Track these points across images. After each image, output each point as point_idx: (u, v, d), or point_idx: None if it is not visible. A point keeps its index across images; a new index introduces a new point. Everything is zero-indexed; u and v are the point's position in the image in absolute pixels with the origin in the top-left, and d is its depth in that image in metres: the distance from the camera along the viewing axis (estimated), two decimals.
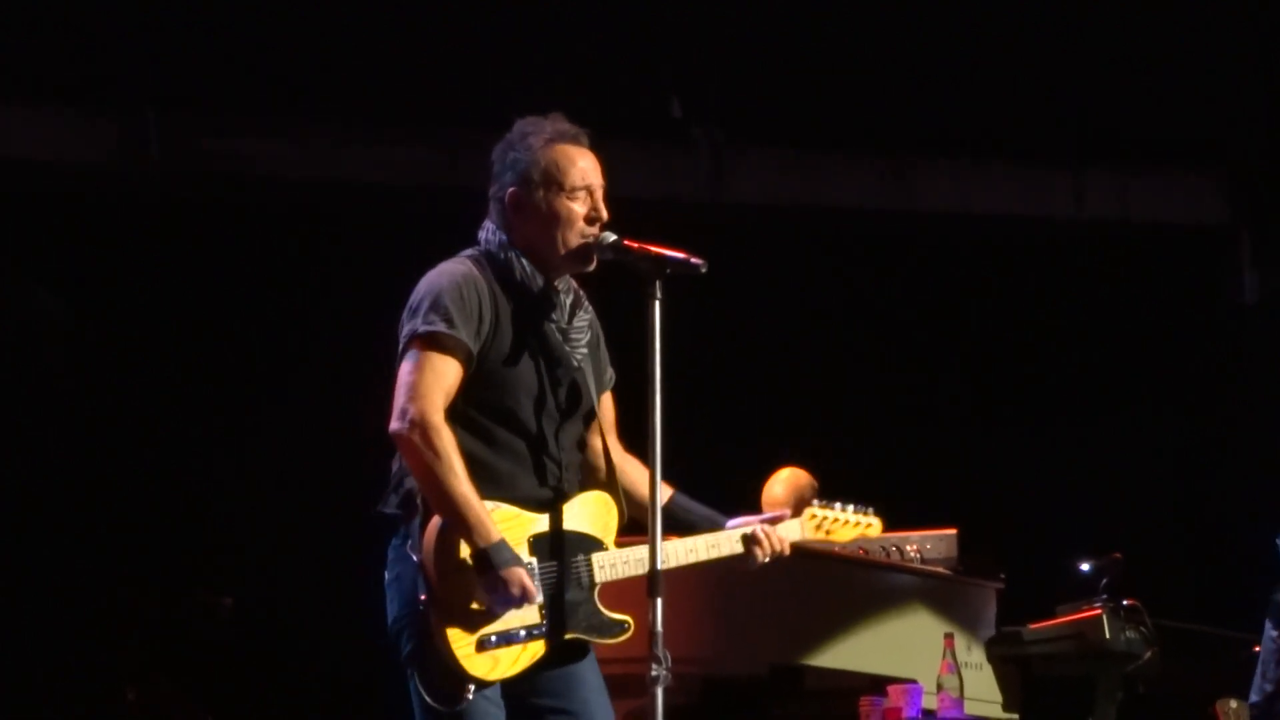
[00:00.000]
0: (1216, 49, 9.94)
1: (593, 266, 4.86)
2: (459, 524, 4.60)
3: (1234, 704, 6.79)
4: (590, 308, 4.93)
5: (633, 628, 4.75)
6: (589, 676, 4.81)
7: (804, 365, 9.75)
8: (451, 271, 4.79)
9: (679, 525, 4.89)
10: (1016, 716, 7.31)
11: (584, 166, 4.83)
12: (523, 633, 4.66)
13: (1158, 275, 10.33)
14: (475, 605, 4.62)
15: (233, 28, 9.00)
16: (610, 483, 4.87)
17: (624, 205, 4.95)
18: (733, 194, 9.91)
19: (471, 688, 4.61)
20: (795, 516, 5.08)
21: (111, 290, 9.00)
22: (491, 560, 4.58)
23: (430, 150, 9.44)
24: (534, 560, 4.69)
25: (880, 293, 10.08)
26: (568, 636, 4.73)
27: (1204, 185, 10.44)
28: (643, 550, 4.66)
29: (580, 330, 4.87)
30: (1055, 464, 9.92)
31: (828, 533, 5.14)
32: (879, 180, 10.14)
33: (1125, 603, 7.25)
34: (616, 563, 4.78)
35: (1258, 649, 6.63)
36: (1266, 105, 10.18)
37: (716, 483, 5.15)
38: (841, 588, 7.23)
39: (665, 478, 4.73)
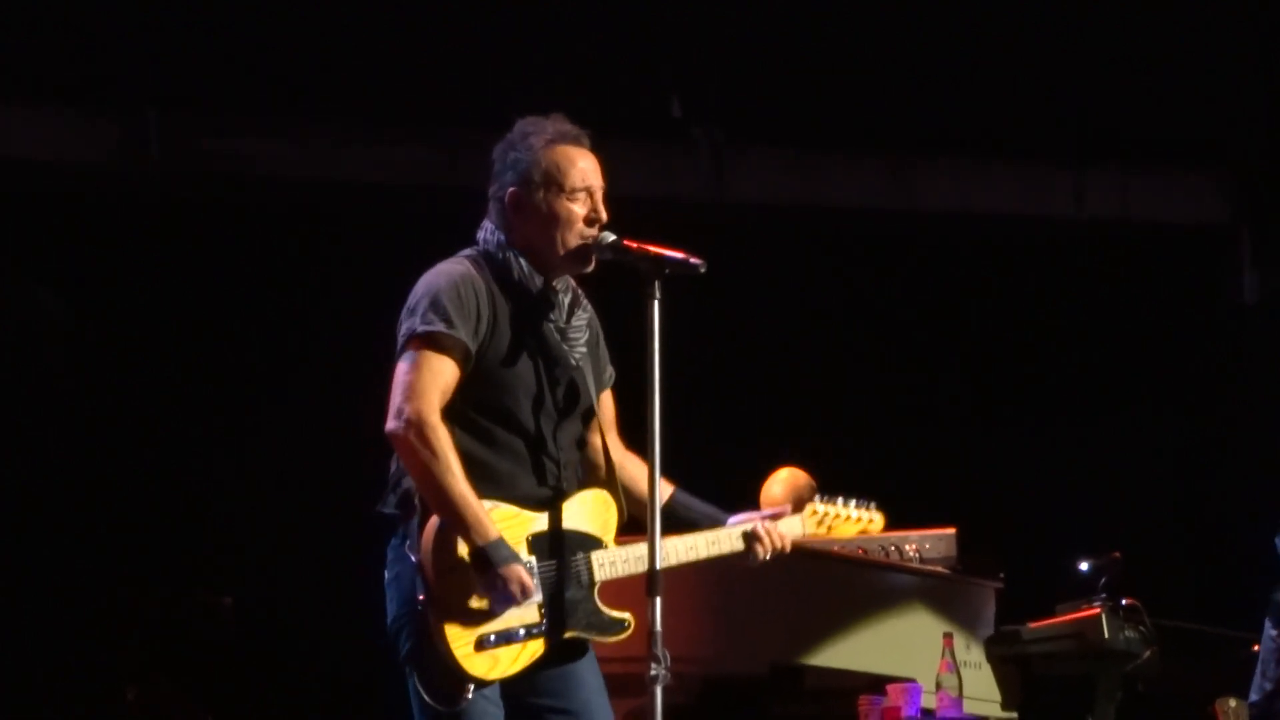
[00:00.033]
0: (1216, 49, 9.94)
1: (591, 267, 4.86)
2: (456, 522, 4.61)
3: (1233, 703, 6.80)
4: (589, 306, 4.93)
5: (633, 626, 4.76)
6: (588, 676, 4.82)
7: (804, 365, 9.75)
8: (449, 271, 4.80)
9: (680, 522, 4.90)
10: (1015, 716, 7.31)
11: (584, 167, 4.84)
12: (522, 631, 4.67)
13: (1158, 275, 10.33)
14: (474, 604, 4.62)
15: (233, 28, 9.00)
16: (609, 481, 4.87)
17: (624, 205, 4.96)
18: (733, 194, 9.91)
19: (471, 687, 4.61)
20: (796, 514, 5.08)
21: (111, 290, 9.00)
22: (489, 558, 4.58)
23: (430, 150, 9.44)
24: (533, 559, 4.69)
25: (880, 292, 10.08)
26: (568, 635, 4.73)
27: (1204, 185, 10.44)
28: (642, 548, 4.67)
29: (578, 329, 4.87)
30: (1055, 463, 9.92)
31: (830, 528, 5.14)
32: (879, 180, 10.14)
33: (1124, 602, 7.25)
34: (616, 561, 4.78)
35: (1257, 648, 6.63)
36: (1267, 105, 10.18)
37: (716, 482, 5.15)
38: (841, 587, 7.22)
39: (665, 476, 4.73)
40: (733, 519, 4.99)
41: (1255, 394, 10.01)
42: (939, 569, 7.39)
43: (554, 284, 4.86)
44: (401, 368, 4.70)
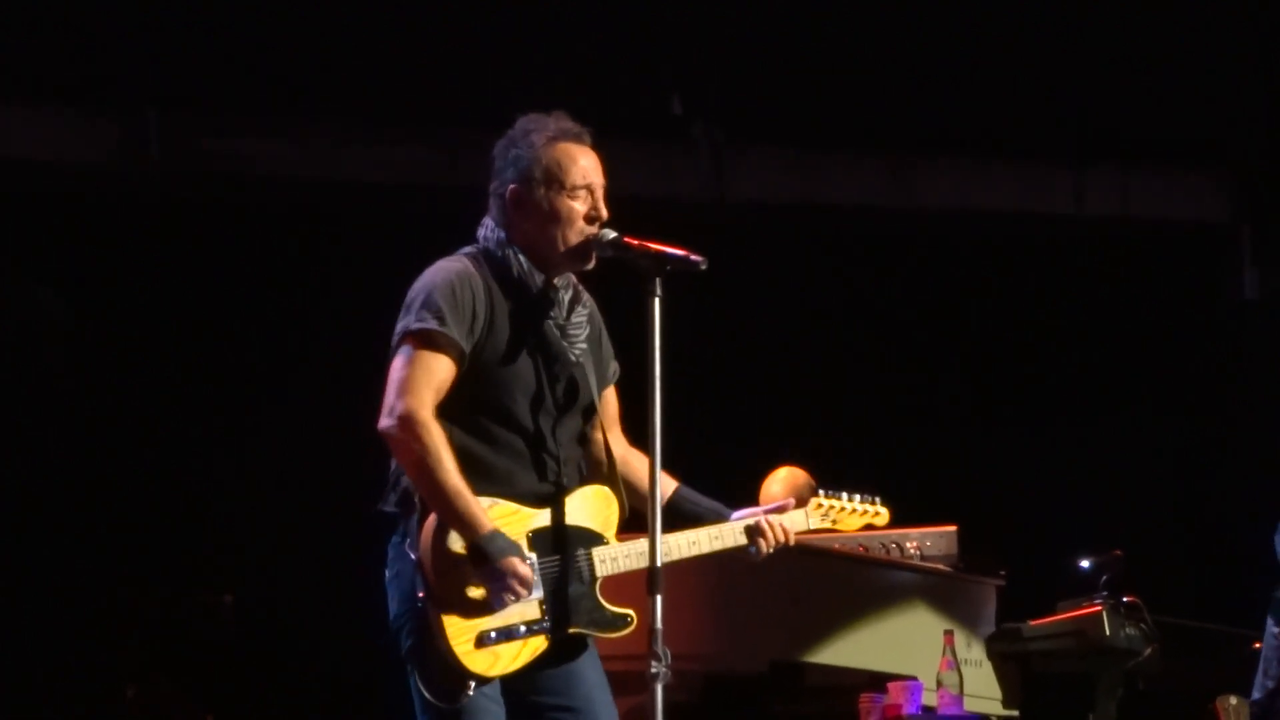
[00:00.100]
0: (1216, 47, 9.94)
1: (592, 265, 4.86)
2: (451, 518, 4.61)
3: (1234, 701, 6.80)
4: (590, 302, 4.93)
5: (635, 622, 4.75)
6: (590, 673, 4.81)
7: (804, 365, 9.75)
8: (446, 269, 4.80)
9: (684, 517, 4.90)
10: (1016, 713, 7.31)
11: (585, 165, 4.84)
12: (523, 628, 4.66)
13: (1158, 273, 10.33)
14: (474, 601, 4.61)
15: (233, 28, 9.00)
16: (611, 477, 4.87)
17: (624, 204, 4.95)
18: (733, 192, 9.90)
19: (471, 684, 4.61)
20: (800, 509, 5.08)
21: (111, 290, 9.00)
22: (485, 551, 4.58)
23: (430, 150, 9.45)
24: (534, 555, 4.69)
25: (881, 291, 10.08)
26: (570, 631, 4.73)
27: (1204, 183, 10.44)
28: (643, 544, 4.66)
29: (578, 326, 4.87)
30: (1055, 461, 9.92)
31: (834, 522, 5.14)
32: (879, 178, 10.14)
33: (1125, 600, 7.25)
34: (618, 556, 4.77)
35: (1258, 646, 6.63)
36: (1267, 103, 10.18)
37: (716, 482, 5.15)
38: (842, 585, 7.22)
39: (668, 473, 4.73)
40: (736, 514, 4.99)
41: (1255, 393, 10.01)
42: (940, 566, 7.39)
43: (554, 281, 4.86)
44: (395, 365, 4.71)
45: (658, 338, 4.66)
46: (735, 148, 9.90)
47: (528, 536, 4.70)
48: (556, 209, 4.81)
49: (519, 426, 4.77)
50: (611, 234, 4.81)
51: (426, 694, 4.63)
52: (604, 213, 4.84)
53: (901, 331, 10.03)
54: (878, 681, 6.97)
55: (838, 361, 9.77)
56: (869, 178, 10.15)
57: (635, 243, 4.78)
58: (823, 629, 7.09)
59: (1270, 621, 6.49)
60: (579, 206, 4.82)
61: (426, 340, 4.70)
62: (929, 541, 7.38)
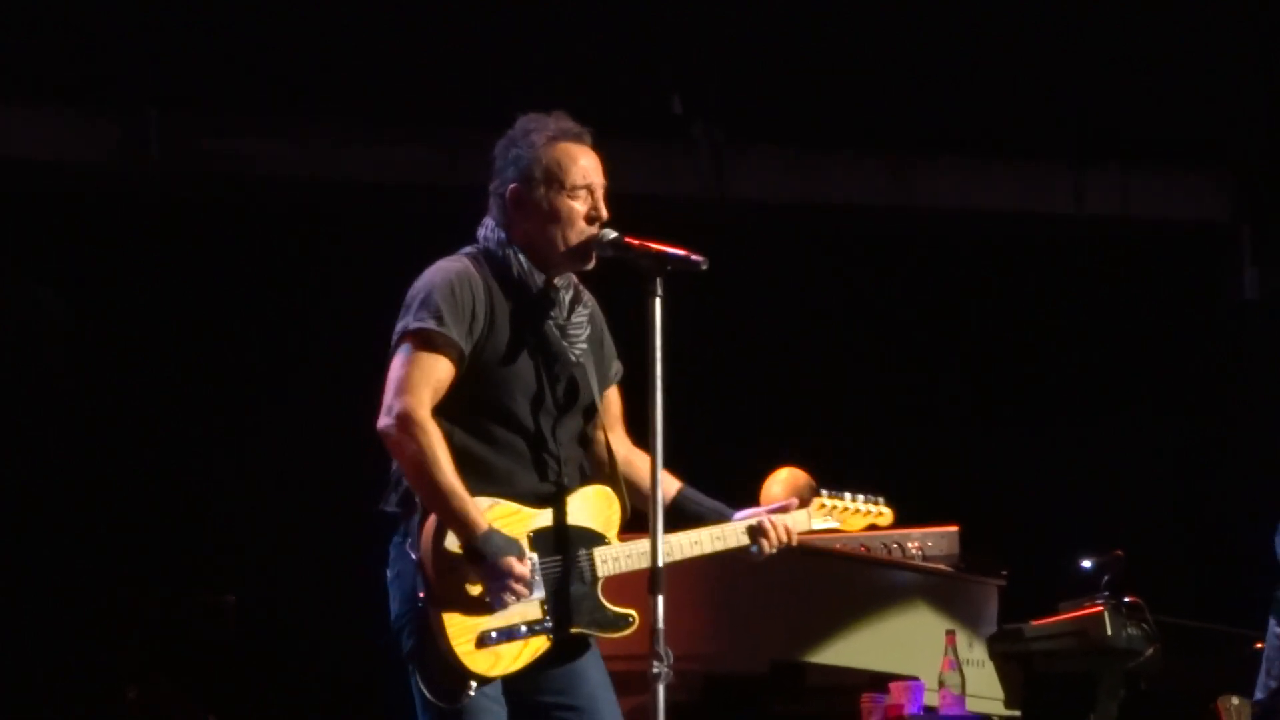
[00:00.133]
0: (1216, 47, 9.94)
1: (592, 265, 4.86)
2: (447, 518, 4.61)
3: (1235, 701, 6.79)
4: (592, 302, 4.93)
5: (637, 622, 4.75)
6: (594, 673, 4.81)
7: (804, 365, 9.75)
8: (446, 269, 4.80)
9: (687, 518, 4.90)
10: (1018, 713, 7.30)
11: (585, 165, 4.84)
12: (524, 628, 4.66)
13: (1158, 272, 10.32)
14: (474, 601, 4.61)
15: (233, 28, 9.00)
16: (612, 477, 4.87)
17: (624, 203, 4.95)
18: (733, 192, 9.90)
19: (472, 684, 4.61)
20: (803, 508, 5.08)
21: (111, 290, 9.00)
22: (482, 551, 4.58)
23: (430, 150, 9.44)
24: (535, 555, 4.69)
25: (881, 291, 10.08)
26: (572, 631, 4.72)
27: (1204, 182, 10.44)
28: (645, 544, 4.66)
29: (579, 326, 4.86)
30: (1056, 461, 9.92)
31: (838, 522, 5.14)
32: (880, 178, 10.13)
33: (1127, 600, 7.24)
34: (619, 556, 4.78)
35: (1259, 646, 6.62)
36: (1267, 102, 10.18)
37: (716, 482, 5.15)
38: (843, 585, 7.21)
39: (671, 474, 4.73)
40: (739, 514, 4.98)
41: (1256, 392, 10.00)
42: (941, 567, 7.38)
43: (555, 281, 4.86)
44: (394, 365, 4.72)
45: (659, 337, 4.66)
46: (735, 147, 9.90)
47: (529, 537, 4.70)
48: (556, 209, 4.82)
49: (519, 426, 4.77)
50: (612, 234, 4.81)
51: (427, 694, 4.63)
52: (604, 213, 4.85)
53: (901, 331, 10.02)
54: (879, 682, 6.97)
55: (838, 361, 9.76)
56: (869, 177, 10.15)
57: (636, 242, 4.78)
58: (824, 629, 7.08)
59: (1272, 621, 6.48)
60: (579, 206, 4.82)
61: (425, 340, 4.70)
62: (930, 542, 7.37)
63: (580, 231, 4.81)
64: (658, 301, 4.69)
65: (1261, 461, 8.93)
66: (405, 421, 4.62)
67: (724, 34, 9.51)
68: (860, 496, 5.18)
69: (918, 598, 7.31)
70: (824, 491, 5.14)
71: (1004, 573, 7.57)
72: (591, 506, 4.81)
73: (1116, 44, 9.81)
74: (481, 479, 4.68)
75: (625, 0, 9.42)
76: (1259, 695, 6.50)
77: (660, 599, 4.57)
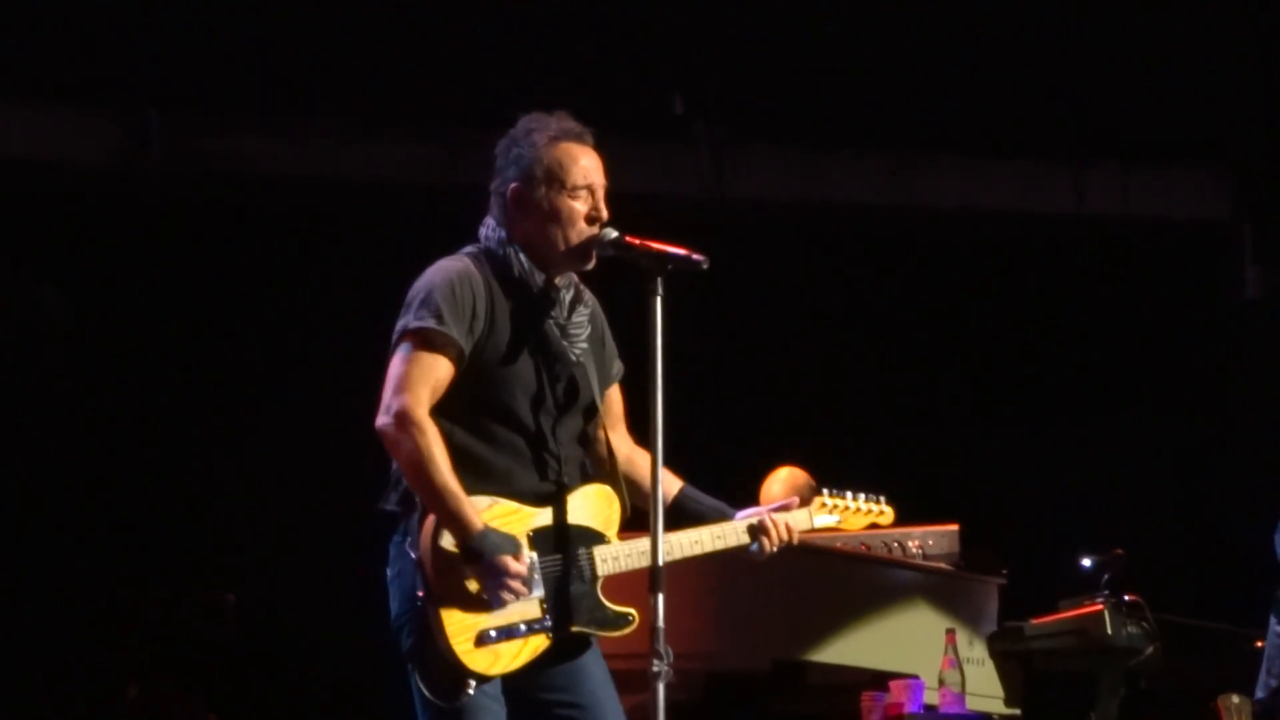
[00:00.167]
0: (1217, 46, 9.95)
1: (592, 264, 4.86)
2: (444, 517, 4.60)
3: (1236, 699, 6.77)
4: (593, 301, 4.92)
5: (637, 620, 4.75)
6: (596, 670, 4.80)
7: (804, 365, 9.75)
8: (447, 268, 4.80)
9: (688, 517, 4.90)
10: (1018, 712, 7.30)
11: (586, 165, 4.83)
12: (523, 627, 4.66)
13: (1159, 271, 10.33)
14: (473, 599, 4.61)
15: (233, 28, 9.01)
16: (612, 475, 4.87)
17: (625, 202, 4.95)
18: (734, 191, 9.91)
19: (472, 683, 4.61)
20: (804, 507, 5.08)
21: (112, 290, 9.01)
22: (477, 549, 4.58)
23: (430, 149, 9.45)
24: (535, 554, 4.68)
25: (882, 290, 10.08)
26: (572, 630, 4.72)
27: (1205, 181, 10.44)
28: (645, 543, 4.66)
29: (579, 325, 4.86)
30: (1057, 459, 9.92)
31: (839, 521, 5.14)
32: (880, 177, 10.14)
33: (1127, 598, 7.24)
34: (619, 555, 4.77)
35: (1260, 644, 6.63)
36: (1267, 101, 10.18)
37: (717, 482, 5.14)
38: (843, 583, 7.22)
39: (672, 473, 4.73)
40: (740, 514, 4.98)
41: (1256, 391, 10.01)
42: (942, 565, 7.38)
43: (555, 281, 4.85)
44: (393, 364, 4.71)
45: (659, 337, 4.66)
46: (735, 146, 9.91)
47: (528, 535, 4.70)
48: (557, 208, 4.81)
49: (519, 426, 4.76)
50: (613, 233, 4.81)
51: (427, 693, 4.63)
52: (605, 213, 4.84)
53: (902, 331, 10.03)
54: (880, 680, 6.97)
55: (838, 361, 9.77)
56: (869, 176, 10.15)
57: (636, 242, 4.77)
58: (825, 628, 7.09)
59: (1273, 620, 6.49)
60: (580, 206, 4.82)
61: (425, 339, 4.70)
62: (931, 540, 7.36)
63: (581, 231, 4.81)
64: (658, 301, 4.69)
65: (1261, 461, 8.94)
66: (403, 420, 4.62)
67: (724, 34, 9.51)
68: (861, 495, 5.18)
69: (918, 596, 7.31)
70: (825, 490, 5.14)
71: (1004, 571, 7.58)
72: (591, 505, 4.81)
73: (1117, 43, 9.82)
74: (481, 478, 4.67)
75: (625, 0, 9.43)
76: (1259, 694, 6.51)
77: (660, 597, 4.57)
